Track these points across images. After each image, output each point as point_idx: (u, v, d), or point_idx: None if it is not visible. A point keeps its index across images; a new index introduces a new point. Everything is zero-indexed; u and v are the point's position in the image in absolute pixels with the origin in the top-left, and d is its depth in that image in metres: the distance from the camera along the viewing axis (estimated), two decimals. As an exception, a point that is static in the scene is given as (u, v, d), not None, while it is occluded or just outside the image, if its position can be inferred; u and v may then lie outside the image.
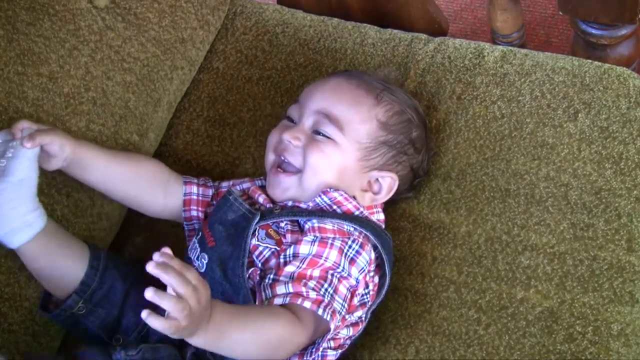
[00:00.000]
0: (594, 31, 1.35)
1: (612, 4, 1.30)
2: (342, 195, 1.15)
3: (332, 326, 1.04)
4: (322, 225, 1.11)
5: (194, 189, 1.23)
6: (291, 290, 1.05)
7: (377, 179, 1.18)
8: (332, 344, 1.10)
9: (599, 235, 1.16)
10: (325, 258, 1.08)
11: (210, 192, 1.24)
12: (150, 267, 0.89)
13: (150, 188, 1.22)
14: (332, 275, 1.07)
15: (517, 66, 1.30)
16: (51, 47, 1.22)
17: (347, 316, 1.10)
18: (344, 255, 1.08)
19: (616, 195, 1.18)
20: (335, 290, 1.06)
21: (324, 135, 1.16)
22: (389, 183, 1.18)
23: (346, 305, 1.07)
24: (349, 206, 1.15)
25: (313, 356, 1.07)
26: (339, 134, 1.16)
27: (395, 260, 1.21)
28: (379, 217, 1.18)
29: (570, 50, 1.45)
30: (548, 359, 1.10)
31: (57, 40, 1.23)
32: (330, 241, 1.09)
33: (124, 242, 1.32)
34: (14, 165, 1.09)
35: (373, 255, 1.12)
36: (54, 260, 1.13)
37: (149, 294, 0.87)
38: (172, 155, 1.36)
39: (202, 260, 1.13)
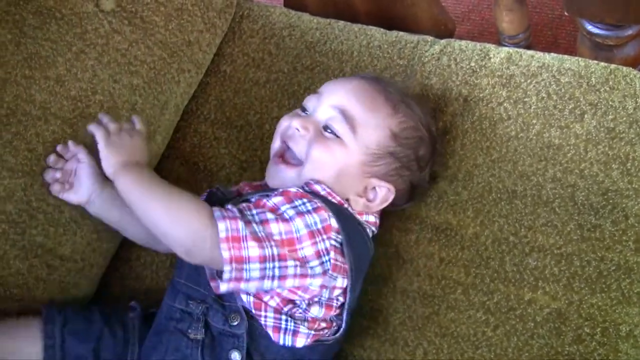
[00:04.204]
0: (600, 32, 1.35)
1: (618, 4, 1.29)
2: (324, 190, 1.13)
3: (219, 225, 1.03)
4: (287, 190, 1.11)
5: None
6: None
7: (374, 187, 1.16)
8: (306, 324, 1.10)
9: (606, 236, 1.16)
10: (268, 199, 1.09)
11: None
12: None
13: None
14: (273, 212, 1.07)
15: (523, 67, 1.30)
16: (58, 50, 1.23)
17: (306, 268, 1.06)
18: (291, 204, 1.08)
19: (623, 196, 1.18)
20: (263, 222, 1.06)
21: (333, 133, 1.15)
22: (384, 193, 1.16)
23: (264, 234, 1.04)
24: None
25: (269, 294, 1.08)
26: (350, 135, 1.15)
27: (403, 262, 1.21)
28: (368, 218, 1.16)
29: (577, 51, 1.44)
30: (556, 360, 1.11)
31: (64, 44, 1.24)
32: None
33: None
34: None
35: (335, 224, 1.08)
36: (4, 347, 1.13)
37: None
38: (179, 158, 1.37)
39: None
